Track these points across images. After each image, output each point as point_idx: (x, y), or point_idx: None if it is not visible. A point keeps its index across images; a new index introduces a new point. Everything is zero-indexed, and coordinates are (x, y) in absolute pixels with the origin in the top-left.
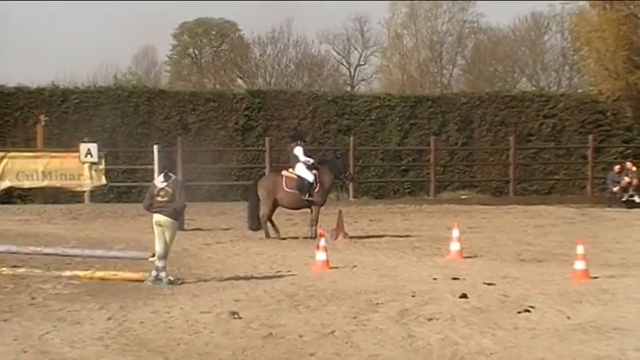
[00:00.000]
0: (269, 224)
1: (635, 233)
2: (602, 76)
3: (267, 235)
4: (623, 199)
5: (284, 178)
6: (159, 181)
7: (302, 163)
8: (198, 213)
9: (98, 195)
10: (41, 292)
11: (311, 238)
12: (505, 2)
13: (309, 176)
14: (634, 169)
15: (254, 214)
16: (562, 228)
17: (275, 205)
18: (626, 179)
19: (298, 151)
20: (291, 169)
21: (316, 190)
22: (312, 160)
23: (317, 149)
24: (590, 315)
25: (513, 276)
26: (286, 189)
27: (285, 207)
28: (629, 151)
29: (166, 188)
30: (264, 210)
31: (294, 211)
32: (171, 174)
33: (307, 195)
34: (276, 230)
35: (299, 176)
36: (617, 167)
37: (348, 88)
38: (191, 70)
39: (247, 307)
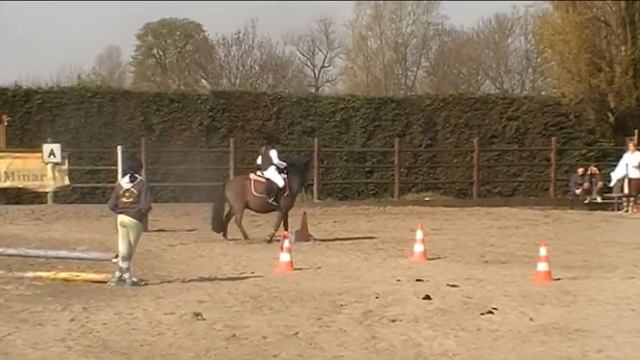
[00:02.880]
0: (231, 226)
1: (597, 235)
2: (565, 79)
3: (246, 237)
4: (586, 201)
5: (252, 181)
6: (124, 181)
7: (274, 166)
8: (162, 214)
9: (61, 196)
10: (3, 294)
11: (269, 242)
12: (469, 4)
13: (280, 181)
14: (597, 172)
15: (218, 216)
16: (525, 230)
17: (245, 208)
18: (588, 184)
19: (274, 153)
20: (259, 172)
21: (285, 194)
22: (284, 164)
23: (282, 150)
24: (553, 317)
25: (477, 277)
26: (255, 193)
27: (253, 210)
28: (591, 153)
29: (132, 189)
30: (237, 214)
31: (259, 213)
32: (137, 175)
33: (274, 199)
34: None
35: (268, 179)
36: (580, 170)
37: (313, 90)
38: (155, 71)
39: (211, 308)
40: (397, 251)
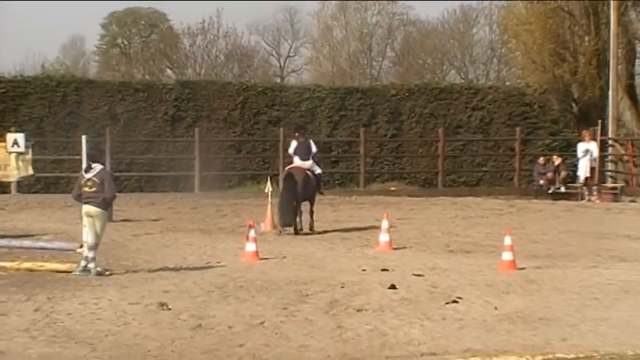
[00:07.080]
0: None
1: (561, 225)
2: (530, 69)
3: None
4: (550, 191)
5: (308, 171)
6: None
7: (312, 156)
8: (127, 204)
9: (25, 185)
10: None
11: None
12: None
13: (319, 169)
14: (558, 161)
15: (290, 207)
16: (490, 219)
17: None
18: (552, 174)
19: (312, 143)
20: (297, 161)
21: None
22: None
23: (246, 140)
24: (517, 305)
25: (442, 267)
26: (312, 182)
27: (302, 200)
28: (555, 143)
29: (93, 178)
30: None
31: (226, 202)
32: (99, 164)
33: (318, 187)
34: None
35: (312, 170)
36: (541, 159)
37: (278, 80)
38: (120, 60)
39: (176, 298)
40: (363, 241)
